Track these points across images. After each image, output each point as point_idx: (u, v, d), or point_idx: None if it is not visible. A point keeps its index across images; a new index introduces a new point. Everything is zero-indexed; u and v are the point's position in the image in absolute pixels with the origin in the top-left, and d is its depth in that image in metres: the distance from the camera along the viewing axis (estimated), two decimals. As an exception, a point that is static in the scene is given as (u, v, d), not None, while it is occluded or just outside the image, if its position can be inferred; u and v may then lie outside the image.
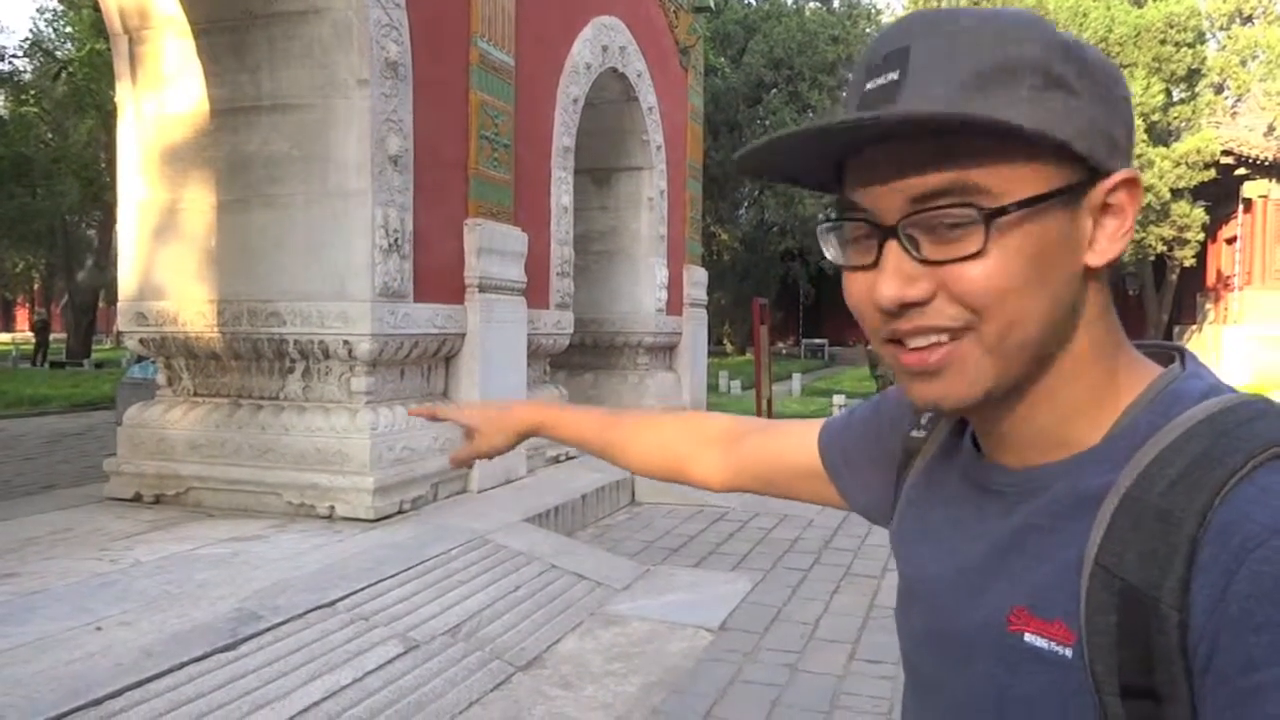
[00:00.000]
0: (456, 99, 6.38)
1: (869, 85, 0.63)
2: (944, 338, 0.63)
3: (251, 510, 5.57)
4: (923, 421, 0.83)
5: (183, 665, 3.21)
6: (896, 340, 0.65)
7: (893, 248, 0.63)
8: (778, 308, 26.02)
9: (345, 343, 5.46)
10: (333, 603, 3.94)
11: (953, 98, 0.60)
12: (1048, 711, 0.61)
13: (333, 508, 5.41)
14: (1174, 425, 0.61)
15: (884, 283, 0.63)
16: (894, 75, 0.62)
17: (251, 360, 5.81)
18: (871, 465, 0.90)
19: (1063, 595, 0.61)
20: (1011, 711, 0.63)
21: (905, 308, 0.63)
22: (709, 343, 13.40)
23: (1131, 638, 0.57)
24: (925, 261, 0.62)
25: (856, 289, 0.66)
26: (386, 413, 5.63)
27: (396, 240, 5.61)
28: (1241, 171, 19.65)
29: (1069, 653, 0.60)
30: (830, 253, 0.68)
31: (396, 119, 5.64)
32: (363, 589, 4.13)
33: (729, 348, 27.89)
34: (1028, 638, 0.62)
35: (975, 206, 0.60)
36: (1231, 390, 0.64)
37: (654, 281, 10.14)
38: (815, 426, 1.00)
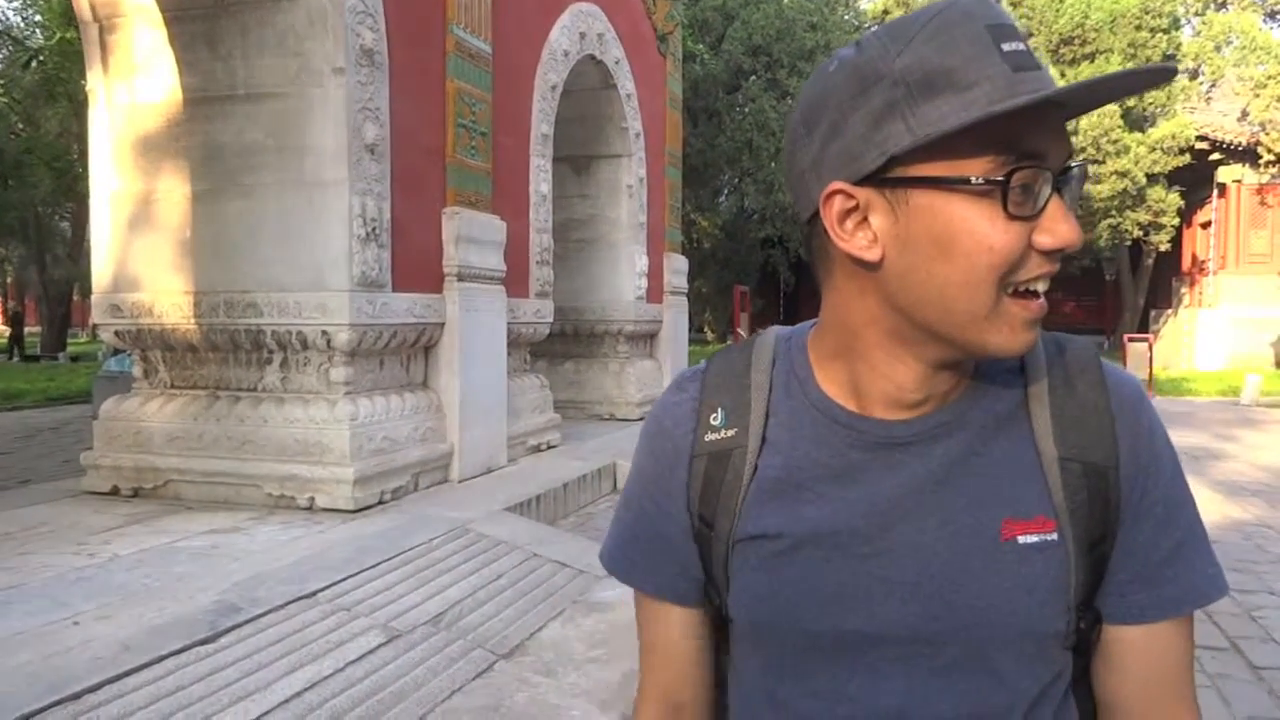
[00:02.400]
0: (433, 87, 6.34)
1: (1007, 47, 0.66)
2: None
3: (231, 502, 5.54)
4: (715, 422, 0.83)
5: (161, 659, 3.19)
6: (1023, 293, 0.70)
7: (1056, 196, 0.69)
8: (758, 295, 26.05)
9: (323, 333, 5.42)
10: (313, 594, 3.92)
11: None
12: (1046, 588, 0.76)
13: (313, 499, 5.39)
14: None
15: (1070, 227, 0.68)
16: (1021, 45, 0.67)
17: (229, 351, 5.77)
18: (668, 538, 0.87)
19: (1031, 495, 0.77)
20: (1018, 601, 0.75)
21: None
22: (690, 330, 13.42)
23: (1097, 502, 0.77)
24: None
25: (1011, 238, 0.67)
26: (366, 403, 5.61)
27: (374, 229, 5.57)
28: (1216, 156, 19.83)
29: (1054, 536, 0.76)
30: (1004, 203, 0.67)
31: (373, 107, 5.59)
32: (344, 579, 4.12)
33: (710, 335, 27.93)
34: (1021, 539, 0.76)
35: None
36: None
37: (634, 269, 10.14)
38: (655, 614, 0.91)
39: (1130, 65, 19.00)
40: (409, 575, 4.37)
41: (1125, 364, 14.54)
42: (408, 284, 5.96)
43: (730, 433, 0.82)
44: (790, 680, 0.82)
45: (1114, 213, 19.40)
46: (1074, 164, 0.70)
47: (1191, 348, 20.22)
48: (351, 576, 4.17)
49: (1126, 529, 0.78)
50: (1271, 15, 23.02)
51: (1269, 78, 18.45)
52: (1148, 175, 18.84)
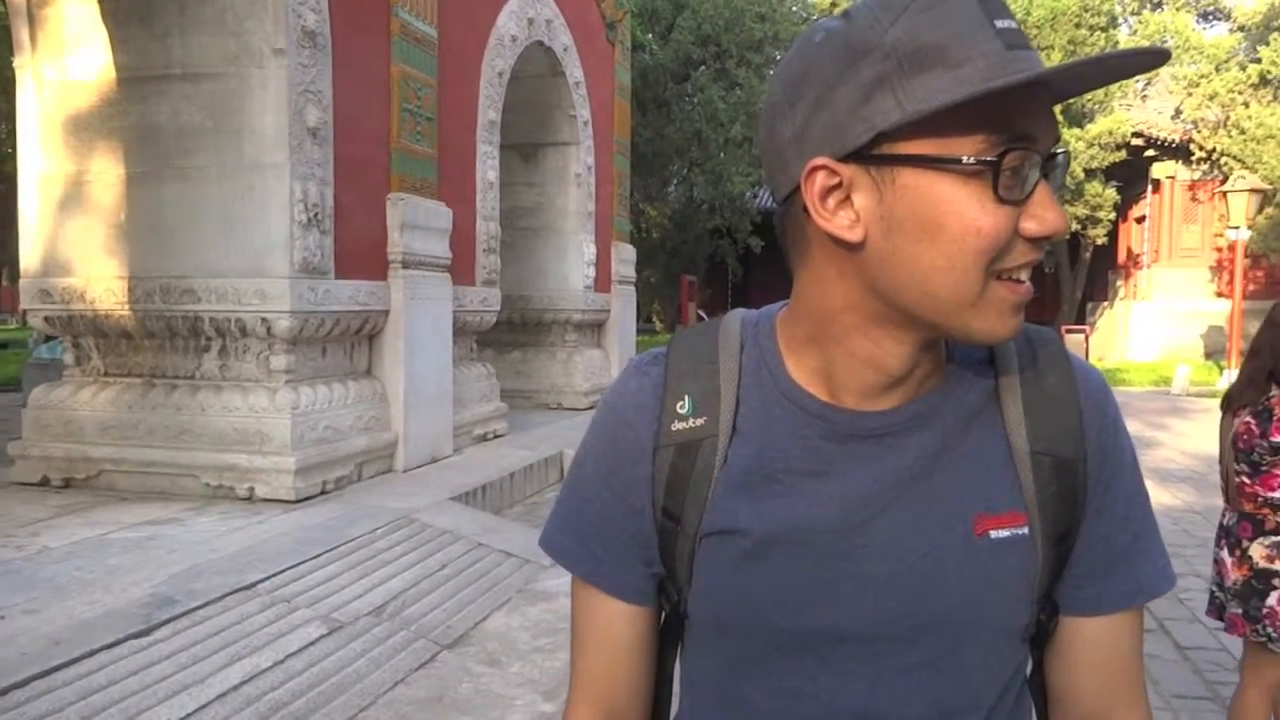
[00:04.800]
0: (378, 71, 6.23)
1: (1000, 24, 0.64)
2: None
3: (167, 493, 5.41)
4: (682, 410, 0.79)
5: (93, 653, 3.11)
6: (1007, 278, 0.68)
7: (1043, 182, 0.67)
8: (707, 285, 26.13)
9: (263, 320, 5.31)
10: (252, 585, 3.85)
11: None
12: (1015, 583, 0.76)
13: (252, 489, 5.29)
14: None
15: (1057, 214, 0.66)
16: (1013, 23, 0.65)
17: (165, 339, 5.63)
18: (621, 529, 0.82)
19: (1003, 489, 0.76)
20: (989, 597, 0.75)
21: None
22: (638, 320, 13.42)
23: (1066, 495, 0.76)
24: None
25: (999, 222, 0.65)
26: (308, 391, 5.51)
27: (316, 215, 5.47)
28: (1151, 153, 20.30)
29: (1025, 530, 0.76)
30: (990, 187, 0.64)
31: (315, 90, 5.48)
32: (283, 571, 4.05)
33: (658, 325, 27.95)
34: (993, 534, 0.75)
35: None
36: None
37: (582, 258, 10.10)
38: (592, 600, 0.85)
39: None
40: (351, 566, 4.31)
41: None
42: (351, 271, 5.87)
43: (699, 421, 0.78)
44: (754, 679, 0.79)
45: (1054, 207, 19.76)
46: (1059, 150, 0.68)
47: (1126, 339, 20.75)
48: (292, 568, 4.10)
49: (1089, 522, 0.78)
50: (1204, 16, 23.65)
51: (1201, 77, 18.94)
52: (1086, 170, 19.23)
